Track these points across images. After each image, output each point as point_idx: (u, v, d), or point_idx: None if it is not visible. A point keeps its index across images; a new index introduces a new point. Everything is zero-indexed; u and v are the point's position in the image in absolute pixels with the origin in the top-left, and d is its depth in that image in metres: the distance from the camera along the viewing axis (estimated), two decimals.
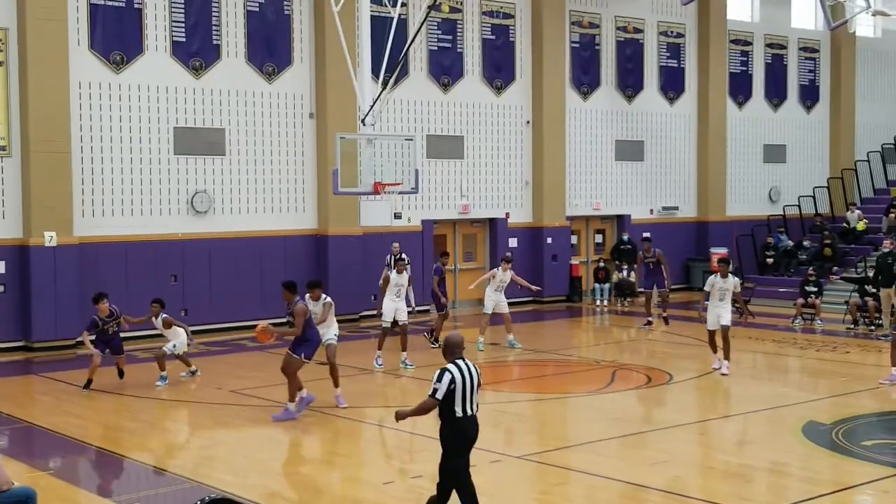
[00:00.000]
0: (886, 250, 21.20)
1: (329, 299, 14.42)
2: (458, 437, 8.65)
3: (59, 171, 19.39)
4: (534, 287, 20.72)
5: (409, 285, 18.11)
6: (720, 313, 16.47)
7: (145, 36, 20.65)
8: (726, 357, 16.41)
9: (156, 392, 15.48)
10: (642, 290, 22.66)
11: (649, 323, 21.90)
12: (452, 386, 8.53)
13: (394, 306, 17.63)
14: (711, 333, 16.74)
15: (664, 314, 22.05)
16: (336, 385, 14.10)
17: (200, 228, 21.34)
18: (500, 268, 19.30)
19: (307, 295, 14.39)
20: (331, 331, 14.35)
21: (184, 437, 13.44)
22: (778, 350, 19.30)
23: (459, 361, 8.69)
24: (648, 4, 28.34)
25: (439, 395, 8.54)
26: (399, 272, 17.77)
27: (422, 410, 8.76)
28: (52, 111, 19.29)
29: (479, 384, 8.75)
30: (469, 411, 8.64)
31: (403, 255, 20.71)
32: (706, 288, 16.69)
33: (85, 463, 12.13)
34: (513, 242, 25.69)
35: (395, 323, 17.65)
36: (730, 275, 16.59)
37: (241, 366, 17.70)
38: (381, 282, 18.77)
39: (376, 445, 12.59)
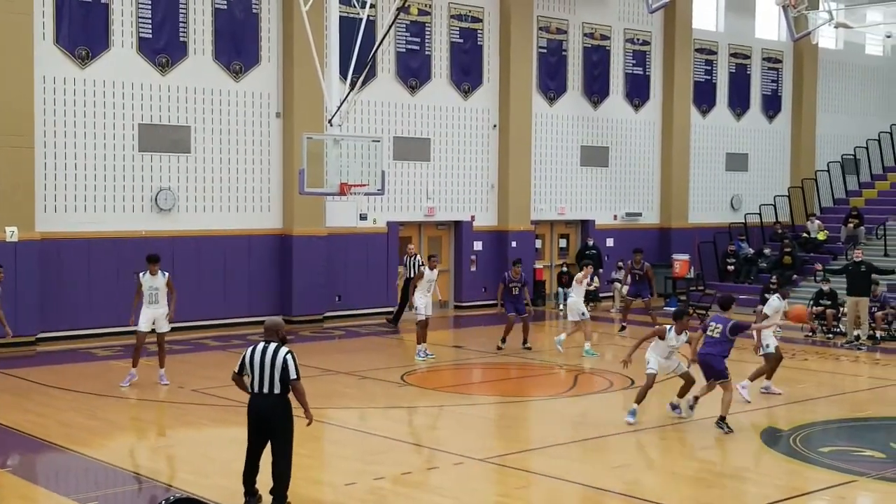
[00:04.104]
0: (858, 260, 21.49)
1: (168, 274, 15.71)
2: (249, 410, 9.65)
3: (23, 166, 19.19)
4: None
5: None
6: (770, 341, 15.33)
7: (111, 31, 20.50)
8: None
9: (117, 391, 15.36)
10: (629, 297, 22.66)
11: (624, 328, 22.17)
12: (243, 362, 9.59)
13: (426, 301, 18.33)
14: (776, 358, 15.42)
15: (657, 325, 21.89)
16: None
17: (164, 226, 21.21)
18: (583, 272, 19.92)
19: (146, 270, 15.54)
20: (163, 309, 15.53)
21: (145, 436, 13.37)
22: (738, 356, 19.43)
23: (262, 343, 9.57)
24: (615, 12, 28.54)
25: (235, 369, 9.72)
26: (432, 268, 18.68)
27: (237, 385, 9.90)
28: (15, 105, 19.08)
29: (275, 368, 9.41)
30: (257, 389, 9.51)
31: (426, 255, 21.96)
32: (768, 311, 15.38)
33: (45, 461, 12.03)
34: (478, 246, 25.77)
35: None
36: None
37: (204, 365, 17.61)
38: (413, 279, 19.43)
39: (339, 447, 12.59)
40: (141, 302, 15.61)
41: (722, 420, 13.10)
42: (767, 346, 15.18)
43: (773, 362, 15.25)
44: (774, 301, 15.44)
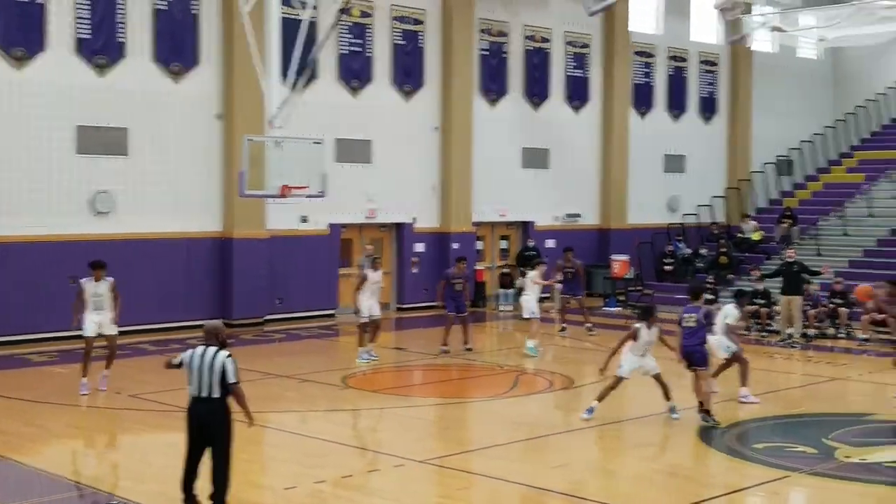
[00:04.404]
0: (791, 260, 21.96)
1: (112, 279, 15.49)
2: (188, 414, 9.60)
3: None
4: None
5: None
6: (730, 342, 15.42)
7: (48, 32, 20.18)
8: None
9: (53, 397, 15.16)
10: (563, 297, 23.04)
11: (564, 329, 22.37)
12: (182, 363, 9.60)
13: (370, 303, 18.28)
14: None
15: (588, 323, 22.29)
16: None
17: (101, 229, 20.94)
18: (537, 271, 20.34)
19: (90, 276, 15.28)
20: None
21: (82, 443, 13.21)
22: (674, 355, 19.74)
23: (202, 347, 9.56)
24: (556, 15, 28.78)
25: (174, 361, 9.76)
26: (375, 270, 18.63)
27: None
28: None
29: (214, 372, 9.37)
30: (196, 393, 9.48)
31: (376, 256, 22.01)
32: (731, 321, 15.23)
33: None
34: (419, 247, 25.80)
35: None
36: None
37: (142, 370, 17.43)
38: (357, 281, 19.08)
39: (279, 450, 12.57)
40: (83, 308, 15.29)
41: (701, 408, 13.75)
42: (729, 346, 15.33)
43: (744, 364, 15.32)
44: (733, 310, 15.49)
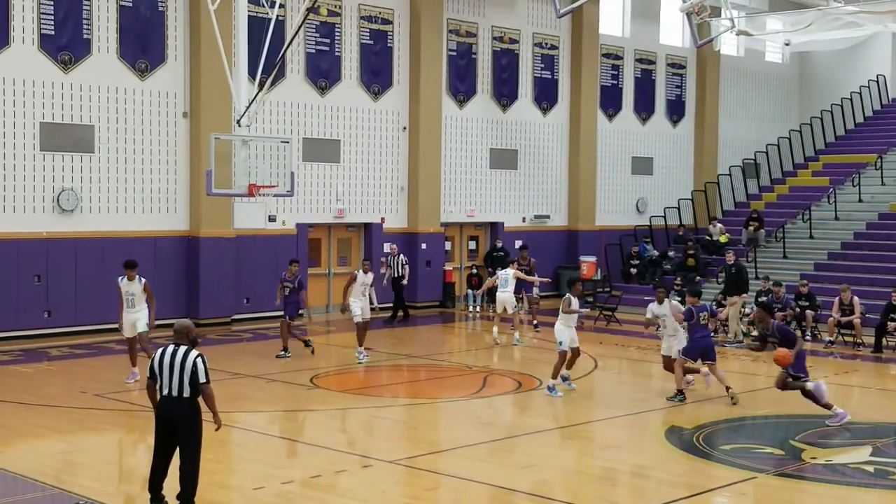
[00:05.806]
0: (730, 262, 22.49)
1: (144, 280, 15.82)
2: (157, 414, 9.54)
3: None
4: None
5: (372, 285, 18.72)
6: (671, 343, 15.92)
7: (12, 27, 19.94)
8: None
9: (13, 396, 14.95)
10: (533, 296, 23.54)
11: (537, 327, 22.58)
12: (153, 366, 9.49)
13: (362, 304, 18.39)
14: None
15: (534, 320, 22.61)
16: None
17: (66, 227, 20.72)
18: (514, 268, 20.93)
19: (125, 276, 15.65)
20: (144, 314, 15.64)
21: (45, 442, 13.03)
22: (642, 356, 19.86)
23: (172, 346, 9.48)
24: (524, 16, 28.83)
25: (147, 374, 9.55)
26: (365, 272, 18.56)
27: (149, 394, 9.66)
28: None
29: (185, 371, 9.31)
30: (165, 392, 9.39)
31: (400, 255, 23.43)
32: (648, 315, 16.34)
33: None
34: (387, 248, 25.72)
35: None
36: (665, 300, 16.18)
37: (107, 369, 17.27)
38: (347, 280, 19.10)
39: (246, 451, 12.47)
40: (122, 307, 15.78)
41: (728, 390, 15.16)
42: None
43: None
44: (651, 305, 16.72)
